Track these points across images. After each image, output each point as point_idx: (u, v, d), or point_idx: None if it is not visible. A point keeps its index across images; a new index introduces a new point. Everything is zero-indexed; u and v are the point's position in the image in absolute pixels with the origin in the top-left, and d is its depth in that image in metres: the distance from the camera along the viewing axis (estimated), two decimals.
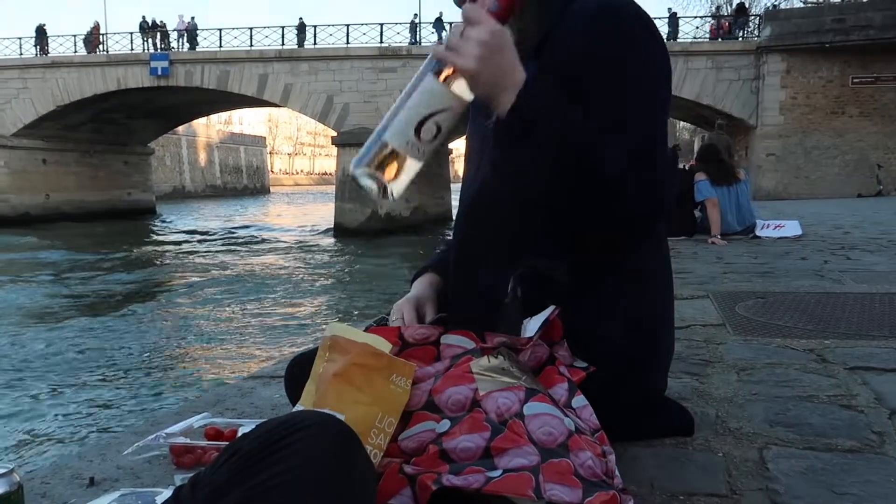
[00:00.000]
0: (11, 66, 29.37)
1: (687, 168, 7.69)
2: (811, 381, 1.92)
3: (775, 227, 7.24)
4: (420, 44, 26.67)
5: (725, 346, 2.38)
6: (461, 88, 1.08)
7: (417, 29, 27.19)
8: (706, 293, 3.54)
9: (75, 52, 29.96)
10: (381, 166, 1.06)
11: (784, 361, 2.16)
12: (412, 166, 1.08)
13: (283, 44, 27.99)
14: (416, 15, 27.55)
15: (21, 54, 30.32)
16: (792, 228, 7.24)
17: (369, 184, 1.06)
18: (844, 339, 2.46)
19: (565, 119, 1.10)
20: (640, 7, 1.22)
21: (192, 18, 29.85)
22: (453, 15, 26.89)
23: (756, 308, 3.11)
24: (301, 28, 27.84)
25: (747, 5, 28.27)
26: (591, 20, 1.19)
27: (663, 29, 25.14)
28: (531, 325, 1.20)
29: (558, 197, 1.15)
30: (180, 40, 29.48)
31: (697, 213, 7.05)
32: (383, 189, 1.07)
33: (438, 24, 26.27)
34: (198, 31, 29.26)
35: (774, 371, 2.05)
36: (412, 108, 1.06)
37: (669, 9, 25.98)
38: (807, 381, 1.93)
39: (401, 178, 1.07)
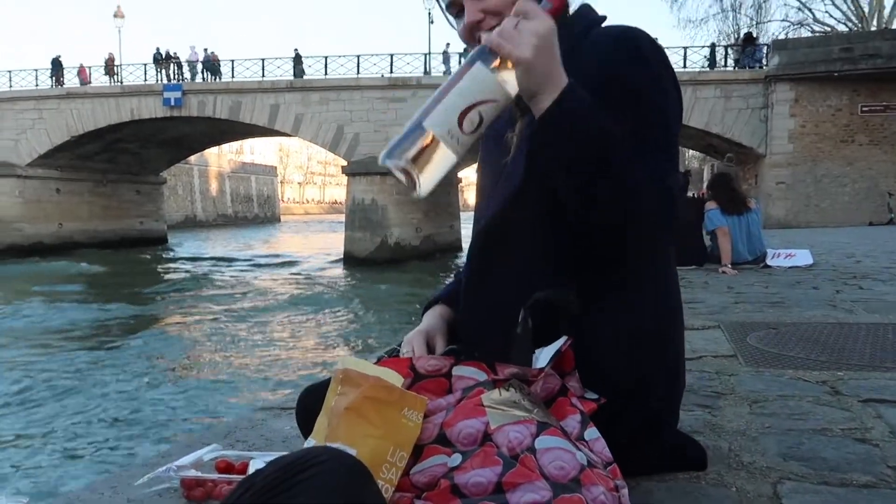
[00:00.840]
0: (27, 98, 29.79)
1: (697, 196, 7.70)
2: (824, 414, 1.91)
3: (786, 257, 7.20)
4: (430, 74, 26.94)
5: (737, 378, 2.36)
6: (510, 81, 1.06)
7: (427, 59, 27.50)
8: (717, 323, 3.52)
9: (90, 82, 30.39)
10: (416, 157, 1.02)
11: (797, 393, 2.14)
12: (447, 159, 1.03)
13: (294, 74, 28.34)
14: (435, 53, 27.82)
15: (37, 85, 30.78)
16: (803, 258, 7.20)
17: (399, 175, 1.02)
18: (858, 371, 2.44)
19: (603, 123, 1.10)
20: (653, 38, 1.25)
21: (207, 50, 30.24)
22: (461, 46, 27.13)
23: (768, 339, 3.09)
24: (297, 59, 28.21)
25: (755, 35, 28.44)
26: (611, 45, 1.22)
27: (676, 60, 25.30)
28: (543, 356, 1.20)
29: (582, 203, 1.14)
30: (192, 71, 29.87)
31: (708, 243, 7.03)
32: (413, 182, 1.02)
33: (446, 56, 26.63)
34: (219, 63, 29.59)
35: (787, 403, 2.03)
36: (458, 95, 1.03)
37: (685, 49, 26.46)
38: (820, 413, 1.92)
39: (433, 171, 1.03)
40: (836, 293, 4.87)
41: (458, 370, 1.24)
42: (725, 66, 26.34)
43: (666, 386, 1.35)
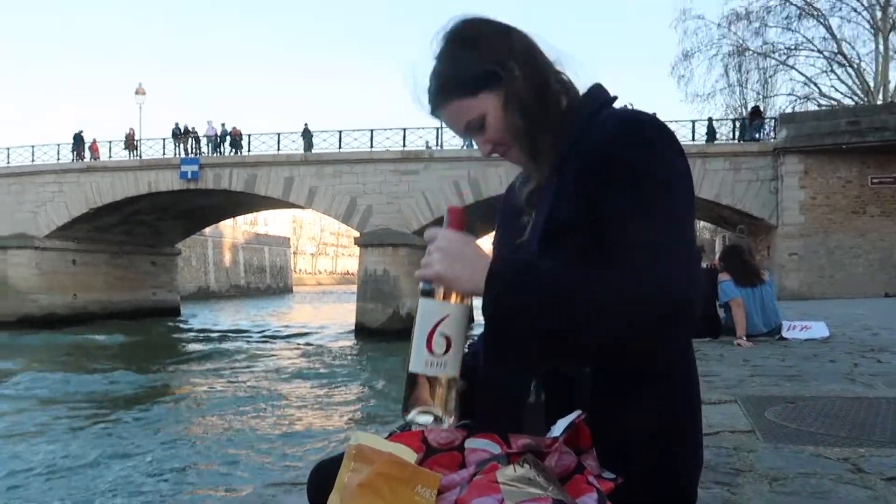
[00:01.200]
0: (49, 171, 30.52)
1: (710, 267, 7.69)
2: (847, 493, 1.86)
3: (802, 329, 7.13)
4: (442, 147, 27.42)
5: (756, 454, 2.31)
6: (450, 296, 1.16)
7: (439, 133, 28.05)
8: (734, 397, 3.47)
9: (110, 156, 31.13)
10: (421, 399, 1.15)
11: (818, 471, 2.09)
12: (443, 382, 1.15)
13: (307, 148, 28.92)
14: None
15: (58, 159, 31.55)
16: (819, 330, 7.12)
17: (425, 420, 1.15)
18: (880, 448, 2.38)
19: (545, 279, 1.13)
20: (662, 122, 1.26)
21: (224, 125, 30.97)
22: None
23: (786, 413, 3.04)
24: (306, 134, 28.90)
25: (761, 108, 28.92)
26: (617, 126, 1.22)
27: (684, 133, 25.74)
28: (556, 427, 1.19)
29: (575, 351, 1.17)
30: (211, 144, 30.56)
31: (722, 314, 6.99)
32: (436, 417, 1.15)
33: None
34: (240, 136, 30.21)
35: (808, 481, 1.98)
36: (419, 330, 1.15)
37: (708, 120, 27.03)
38: (843, 492, 1.87)
39: (442, 398, 1.15)
40: (854, 366, 4.80)
41: (470, 443, 1.22)
42: (734, 138, 26.70)
43: (684, 463, 1.33)
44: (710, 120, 27.09)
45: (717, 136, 26.27)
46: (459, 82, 1.27)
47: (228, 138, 30.34)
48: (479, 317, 1.18)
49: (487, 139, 1.32)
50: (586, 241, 1.17)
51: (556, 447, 1.15)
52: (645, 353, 1.22)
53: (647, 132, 1.22)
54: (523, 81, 1.26)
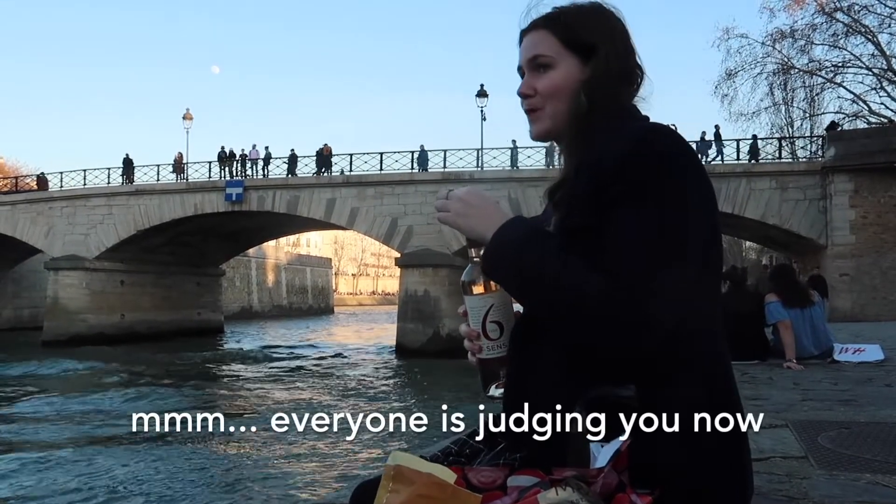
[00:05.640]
0: (100, 194, 31.40)
1: (754, 290, 7.52)
2: None
3: (855, 352, 6.91)
4: (483, 168, 27.47)
5: (810, 482, 2.22)
6: (488, 287, 1.28)
7: (479, 154, 28.12)
8: (785, 422, 3.36)
9: (157, 180, 31.91)
10: (495, 376, 1.31)
11: (876, 500, 2.00)
12: (507, 360, 1.29)
13: (350, 170, 29.25)
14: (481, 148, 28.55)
15: (108, 183, 32.44)
16: (873, 353, 6.89)
17: (501, 392, 1.30)
18: None
19: (538, 251, 1.18)
20: (679, 137, 1.23)
21: (267, 148, 31.53)
22: (523, 140, 27.90)
23: (841, 439, 2.93)
24: (327, 156, 29.46)
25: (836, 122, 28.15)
26: (637, 136, 1.21)
27: (729, 152, 25.38)
28: (602, 456, 1.15)
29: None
30: (254, 168, 31.10)
31: (770, 336, 6.81)
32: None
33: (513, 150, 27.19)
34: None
35: None
36: (473, 326, 1.30)
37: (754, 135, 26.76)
38: None
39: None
40: None
41: (513, 480, 1.19)
42: (780, 157, 26.20)
43: (731, 490, 1.28)
44: (754, 137, 26.67)
45: (763, 154, 25.83)
46: (567, 27, 1.31)
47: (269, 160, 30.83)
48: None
49: (537, 85, 1.33)
50: (594, 246, 1.17)
51: (602, 476, 1.12)
52: (685, 378, 1.19)
53: (660, 143, 1.20)
54: (607, 76, 1.29)
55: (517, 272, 1.20)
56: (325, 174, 29.26)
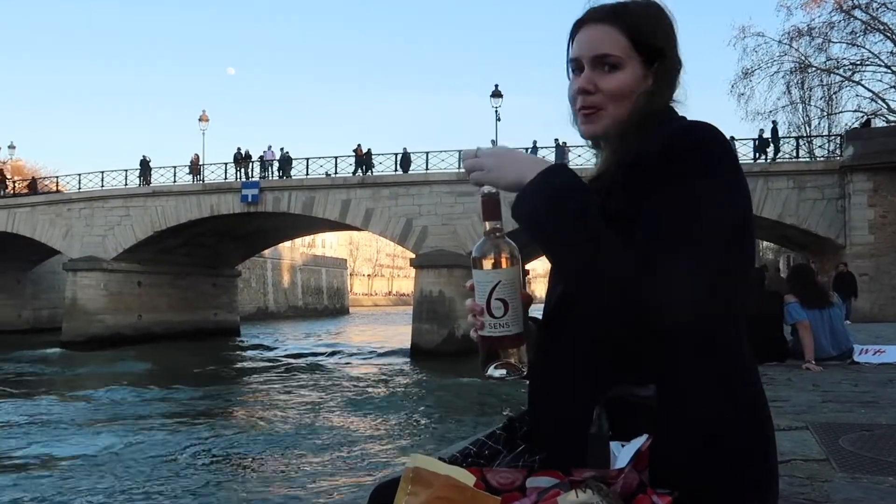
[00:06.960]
0: (117, 196, 31.66)
1: (774, 290, 7.44)
2: None
3: (875, 353, 6.84)
4: None
5: (832, 485, 2.20)
6: (499, 263, 1.24)
7: None
8: (805, 424, 3.32)
9: (174, 181, 32.13)
10: (495, 356, 1.25)
11: None
12: (512, 339, 1.24)
13: (364, 171, 29.30)
14: (493, 141, 28.53)
15: (126, 184, 32.71)
16: (894, 354, 6.81)
17: (501, 373, 1.24)
18: None
19: (583, 208, 1.15)
20: (720, 134, 1.22)
21: (283, 149, 31.66)
22: (546, 141, 27.86)
23: (862, 442, 2.89)
24: (364, 159, 29.43)
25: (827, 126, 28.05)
26: (678, 131, 1.21)
27: (745, 151, 25.21)
28: (622, 456, 1.14)
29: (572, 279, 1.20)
30: (269, 169, 31.23)
31: (789, 337, 6.74)
32: (514, 368, 1.24)
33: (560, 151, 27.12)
34: (291, 162, 30.83)
35: None
36: (479, 301, 1.25)
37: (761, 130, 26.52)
38: None
39: (513, 352, 1.24)
40: None
41: (532, 482, 1.18)
42: (798, 157, 25.96)
43: (754, 492, 1.26)
44: (774, 127, 26.35)
45: (780, 153, 25.60)
46: (637, 28, 1.28)
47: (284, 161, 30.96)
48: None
49: (602, 85, 1.29)
50: (628, 234, 1.15)
51: (623, 476, 1.11)
52: (708, 377, 1.17)
53: (702, 140, 1.20)
54: (669, 84, 1.31)
55: (558, 217, 1.16)
56: (369, 174, 29.28)
